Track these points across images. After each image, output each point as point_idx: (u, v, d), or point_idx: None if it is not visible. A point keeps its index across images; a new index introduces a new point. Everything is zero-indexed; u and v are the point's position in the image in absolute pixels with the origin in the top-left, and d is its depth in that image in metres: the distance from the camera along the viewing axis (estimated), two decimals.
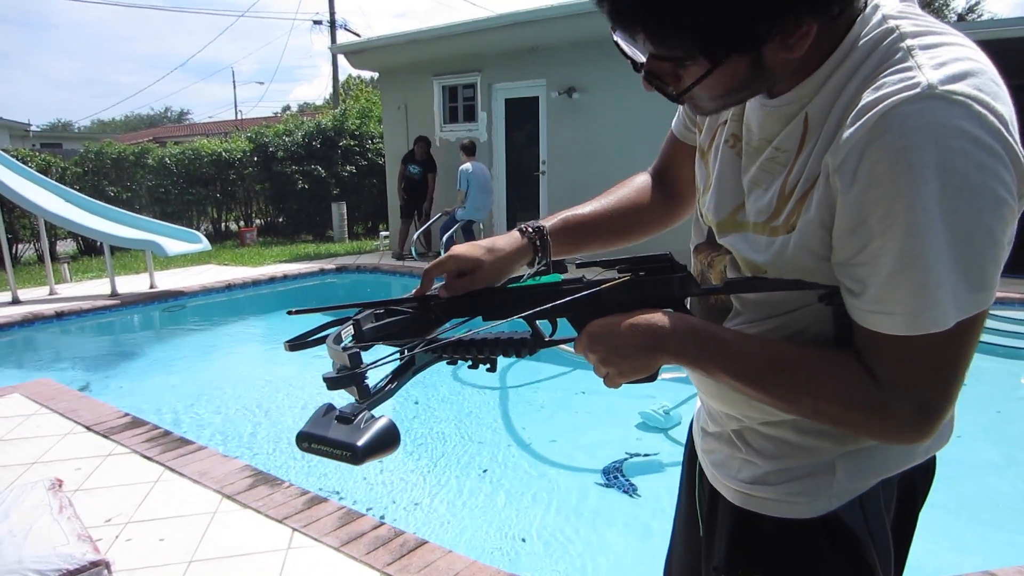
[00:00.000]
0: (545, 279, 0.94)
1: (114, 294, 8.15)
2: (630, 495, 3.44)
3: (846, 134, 0.69)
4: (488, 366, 0.95)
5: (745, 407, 0.92)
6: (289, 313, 0.93)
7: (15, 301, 7.94)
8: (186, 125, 44.54)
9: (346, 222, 13.91)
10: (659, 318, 0.82)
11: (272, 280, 9.36)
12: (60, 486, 3.07)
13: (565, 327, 0.92)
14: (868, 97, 0.68)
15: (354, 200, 14.41)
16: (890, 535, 0.90)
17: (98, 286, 8.80)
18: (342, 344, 0.87)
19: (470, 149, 9.29)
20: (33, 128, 33.63)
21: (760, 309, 0.87)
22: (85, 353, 6.83)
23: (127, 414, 4.11)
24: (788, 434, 0.89)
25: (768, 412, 0.89)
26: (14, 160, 8.85)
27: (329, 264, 10.29)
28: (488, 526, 3.25)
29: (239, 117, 41.38)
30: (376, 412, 0.78)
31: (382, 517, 3.12)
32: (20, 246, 12.05)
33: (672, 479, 3.52)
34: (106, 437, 3.77)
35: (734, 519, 0.96)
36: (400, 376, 0.89)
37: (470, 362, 0.95)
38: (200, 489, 3.13)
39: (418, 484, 3.74)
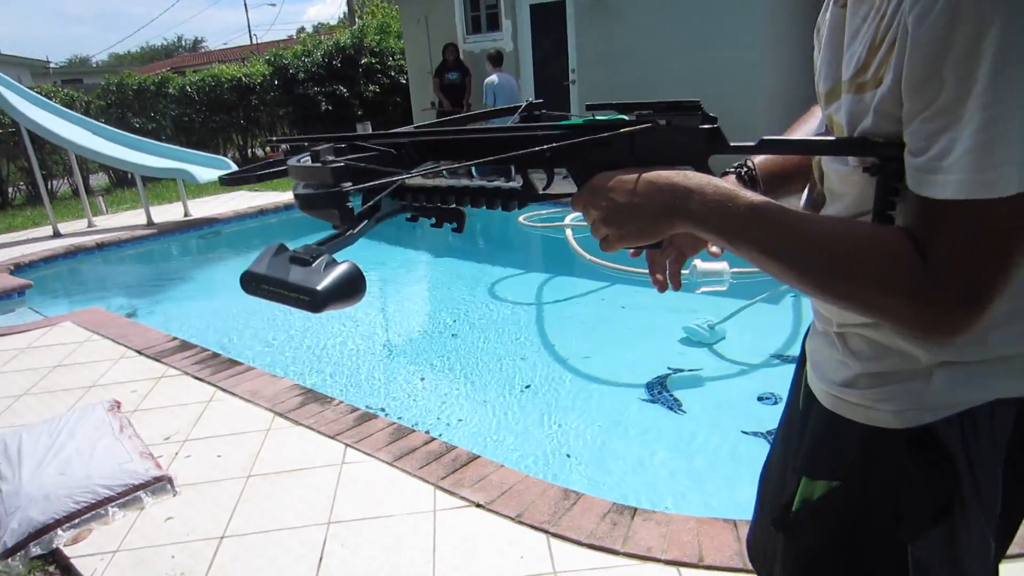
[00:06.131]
0: (597, 118, 0.78)
1: (150, 224, 8.23)
2: (674, 411, 3.42)
3: None
4: (454, 224, 0.82)
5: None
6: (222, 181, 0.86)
7: (56, 235, 8.08)
8: (202, 53, 43.87)
9: None
10: (681, 176, 0.72)
11: None
12: (119, 407, 3.17)
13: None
14: None
15: (379, 120, 14.20)
16: (1000, 466, 0.79)
17: (134, 217, 8.88)
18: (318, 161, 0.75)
19: (497, 59, 9.00)
20: (52, 65, 33.56)
21: (844, 200, 0.79)
22: (128, 281, 6.97)
23: (175, 338, 4.20)
24: (883, 335, 0.81)
25: None
26: (40, 96, 8.82)
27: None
28: (533, 442, 3.26)
29: (254, 42, 40.57)
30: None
31: (428, 432, 3.16)
32: (54, 181, 12.17)
33: (716, 395, 3.52)
34: (157, 360, 3.86)
35: (822, 422, 0.90)
36: (361, 221, 0.76)
37: (433, 219, 0.83)
38: (252, 408, 3.20)
39: (461, 401, 3.77)
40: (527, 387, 3.85)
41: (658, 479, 2.93)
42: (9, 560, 2.30)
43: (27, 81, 22.32)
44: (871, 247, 0.68)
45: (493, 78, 8.77)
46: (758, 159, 0.99)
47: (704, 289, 4.76)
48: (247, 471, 2.70)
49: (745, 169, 0.99)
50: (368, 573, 2.08)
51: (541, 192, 0.78)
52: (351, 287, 0.66)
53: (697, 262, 4.59)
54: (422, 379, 4.08)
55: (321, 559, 2.16)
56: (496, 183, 0.79)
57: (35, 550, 2.33)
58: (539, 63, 9.95)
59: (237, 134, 15.36)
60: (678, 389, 3.60)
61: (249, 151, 15.77)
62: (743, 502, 2.02)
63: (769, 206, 0.72)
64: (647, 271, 1.01)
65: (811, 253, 0.69)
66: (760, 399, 3.39)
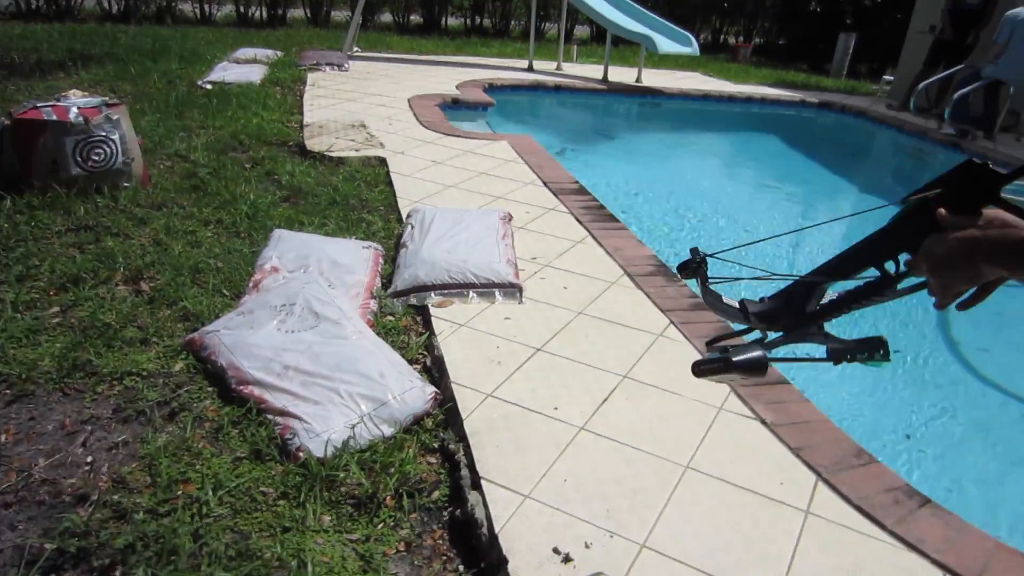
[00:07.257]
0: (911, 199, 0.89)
1: (604, 80, 8.86)
2: None
3: None
4: (880, 351, 0.96)
5: None
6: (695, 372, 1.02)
7: (529, 68, 9.20)
8: None
9: (849, 57, 12.54)
10: (979, 230, 0.79)
11: (748, 100, 9.12)
12: (509, 220, 3.67)
13: None
14: None
15: (867, 34, 12.81)
16: None
17: (594, 71, 9.63)
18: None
19: None
20: None
21: None
22: (567, 124, 7.73)
23: (577, 182, 4.63)
24: None
25: None
26: None
27: (812, 97, 9.56)
28: (872, 403, 2.97)
29: None
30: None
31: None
32: (548, 24, 13.65)
33: None
34: (555, 195, 4.33)
35: None
36: (775, 344, 0.99)
37: (851, 360, 0.97)
38: (609, 260, 3.45)
39: None
40: (895, 351, 3.46)
41: (995, 499, 2.49)
42: (394, 299, 2.95)
43: None
44: None
45: (1018, 11, 7.18)
46: None
47: None
48: (581, 308, 2.98)
49: None
50: (636, 426, 2.21)
51: (895, 275, 0.93)
52: (754, 365, 0.92)
53: None
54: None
55: (605, 401, 2.35)
56: (864, 284, 0.96)
57: (412, 300, 2.94)
58: None
59: (717, 17, 15.29)
60: None
61: (722, 37, 15.63)
62: None
63: None
64: None
65: None
66: None
